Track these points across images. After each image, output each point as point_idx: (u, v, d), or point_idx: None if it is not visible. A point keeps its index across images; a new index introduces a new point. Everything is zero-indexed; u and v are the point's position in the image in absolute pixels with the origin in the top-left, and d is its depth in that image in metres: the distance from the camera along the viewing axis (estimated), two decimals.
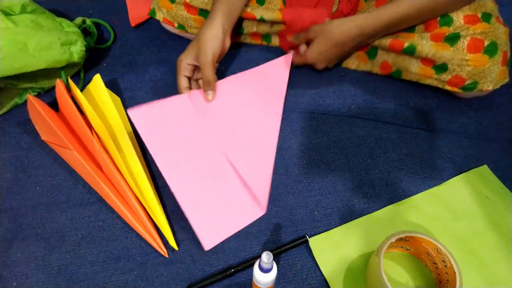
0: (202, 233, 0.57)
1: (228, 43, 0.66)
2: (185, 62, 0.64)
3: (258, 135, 0.66)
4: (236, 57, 0.82)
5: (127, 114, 0.72)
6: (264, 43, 0.83)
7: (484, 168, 0.67)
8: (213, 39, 0.62)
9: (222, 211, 0.59)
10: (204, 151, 0.62)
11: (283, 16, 0.74)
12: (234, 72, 0.70)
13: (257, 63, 0.82)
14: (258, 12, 0.74)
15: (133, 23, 0.87)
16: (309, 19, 0.74)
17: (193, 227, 0.57)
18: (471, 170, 0.67)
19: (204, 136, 0.63)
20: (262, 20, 0.75)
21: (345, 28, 0.67)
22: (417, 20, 0.67)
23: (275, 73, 0.73)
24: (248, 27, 0.78)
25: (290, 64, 0.74)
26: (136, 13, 0.88)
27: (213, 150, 0.62)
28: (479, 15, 0.64)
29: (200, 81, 0.68)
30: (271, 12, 0.74)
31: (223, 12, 0.64)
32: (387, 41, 0.70)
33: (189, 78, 0.67)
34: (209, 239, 0.57)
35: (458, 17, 0.64)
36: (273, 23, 0.77)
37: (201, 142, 0.62)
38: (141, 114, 0.60)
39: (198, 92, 0.65)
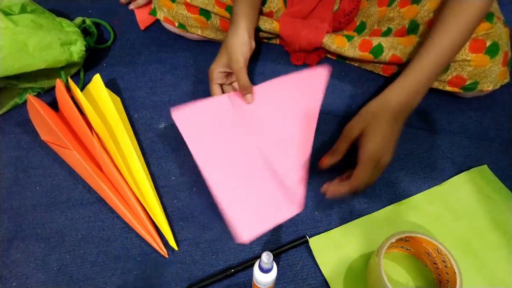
0: (240, 226, 0.56)
1: (253, 45, 0.66)
2: (217, 70, 0.65)
3: (293, 136, 0.66)
4: None
5: (129, 124, 0.73)
6: (265, 40, 0.83)
7: (484, 168, 0.67)
8: (242, 45, 0.63)
9: (258, 207, 0.59)
10: (242, 149, 0.63)
11: (280, 29, 0.74)
12: None
13: (258, 62, 0.82)
14: None
15: (142, 26, 0.86)
16: (306, 39, 0.74)
17: (231, 221, 0.56)
18: (471, 170, 0.67)
19: (242, 135, 0.63)
20: (259, 30, 0.76)
21: (397, 90, 0.55)
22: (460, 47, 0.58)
23: (311, 83, 0.70)
24: None
25: (325, 78, 0.69)
26: (143, 16, 0.87)
27: (250, 149, 0.63)
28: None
29: (234, 84, 0.68)
30: (269, 23, 0.74)
31: (244, 17, 0.64)
32: (386, 57, 0.71)
33: (221, 85, 0.68)
34: (247, 231, 0.56)
35: None
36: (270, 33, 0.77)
37: (239, 141, 0.63)
38: (183, 115, 0.62)
39: (237, 94, 0.66)
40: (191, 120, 0.62)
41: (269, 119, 0.66)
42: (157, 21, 0.86)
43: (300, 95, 0.69)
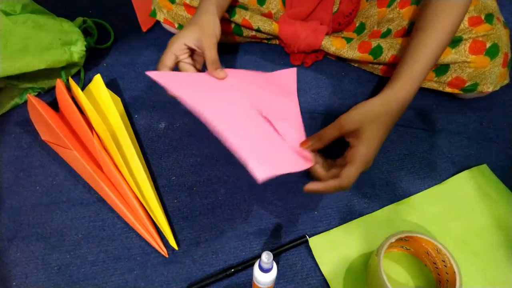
0: (254, 163, 0.47)
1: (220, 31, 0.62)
2: (183, 41, 0.58)
3: (281, 116, 0.59)
4: (236, 55, 0.82)
5: (129, 123, 0.73)
6: (264, 41, 0.83)
7: (484, 167, 0.67)
8: (214, 24, 0.60)
9: (269, 150, 0.52)
10: (237, 109, 0.55)
11: (279, 31, 0.75)
12: None
13: (257, 62, 0.82)
14: (255, 21, 0.74)
15: (144, 28, 0.86)
16: (304, 41, 0.74)
17: (243, 157, 0.47)
18: (470, 169, 0.67)
19: (235, 98, 0.57)
20: (259, 31, 0.76)
21: (399, 93, 0.54)
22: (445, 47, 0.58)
23: (284, 82, 0.68)
24: (247, 31, 0.79)
25: (295, 78, 0.68)
26: (145, 17, 0.87)
27: (247, 109, 0.55)
28: (483, 17, 0.64)
29: (185, 66, 0.61)
30: (268, 24, 0.74)
31: (215, 2, 0.62)
32: (386, 58, 0.71)
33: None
34: (262, 169, 0.47)
35: (463, 20, 0.63)
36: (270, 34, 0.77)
37: (232, 102, 0.56)
38: (162, 75, 0.55)
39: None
40: (173, 81, 0.55)
41: (256, 95, 0.60)
42: (157, 21, 0.86)
43: (276, 90, 0.65)
